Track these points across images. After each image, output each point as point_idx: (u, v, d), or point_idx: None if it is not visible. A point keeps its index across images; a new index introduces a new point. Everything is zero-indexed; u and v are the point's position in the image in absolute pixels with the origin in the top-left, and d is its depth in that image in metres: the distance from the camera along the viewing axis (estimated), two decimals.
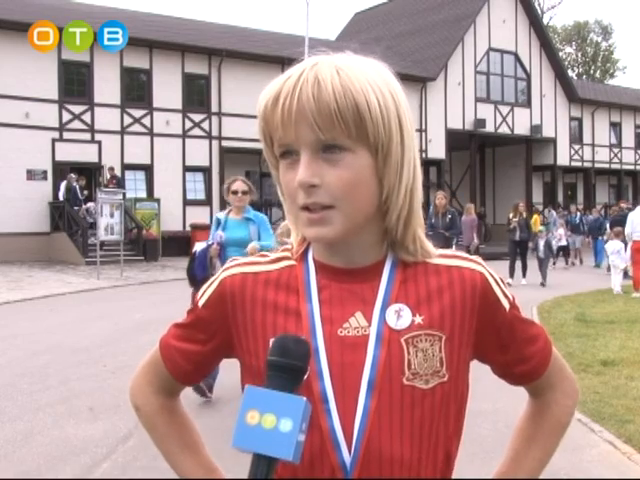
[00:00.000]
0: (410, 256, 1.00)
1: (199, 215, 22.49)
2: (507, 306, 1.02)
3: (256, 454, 0.83)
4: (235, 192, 5.76)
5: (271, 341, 0.91)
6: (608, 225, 17.48)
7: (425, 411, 0.94)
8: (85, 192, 20.81)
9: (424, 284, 0.99)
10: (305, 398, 0.84)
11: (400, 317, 0.96)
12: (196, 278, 5.63)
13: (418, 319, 0.97)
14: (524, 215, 15.33)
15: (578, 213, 24.75)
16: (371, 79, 0.93)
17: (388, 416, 0.93)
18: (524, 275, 14.84)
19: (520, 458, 1.10)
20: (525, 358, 1.05)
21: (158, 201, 21.85)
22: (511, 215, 15.30)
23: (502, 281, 1.04)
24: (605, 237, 17.62)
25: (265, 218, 5.98)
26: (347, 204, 0.93)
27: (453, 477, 1.01)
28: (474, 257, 1.04)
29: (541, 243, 15.19)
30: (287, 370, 0.86)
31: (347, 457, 0.92)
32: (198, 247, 5.84)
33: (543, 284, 14.73)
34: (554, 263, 17.54)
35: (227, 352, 1.06)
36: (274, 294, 1.01)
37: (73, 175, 20.35)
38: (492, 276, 1.02)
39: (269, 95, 0.94)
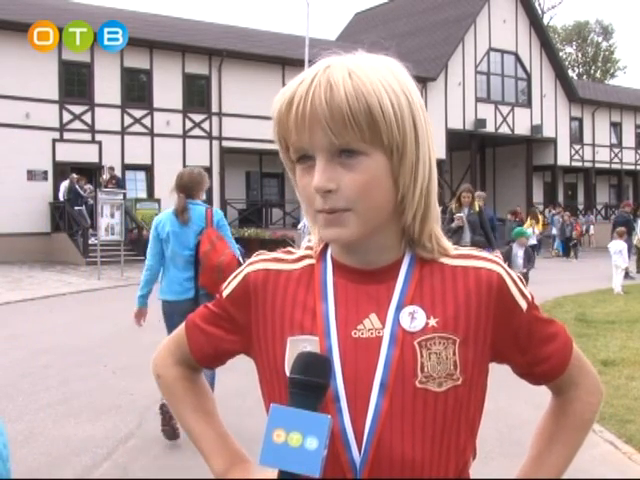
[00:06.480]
0: (428, 253, 1.00)
1: None
2: (525, 306, 1.01)
3: (281, 470, 0.84)
4: None
5: (293, 358, 0.92)
6: (612, 226, 17.32)
7: (438, 414, 0.93)
8: (89, 186, 20.64)
9: (440, 286, 0.98)
10: (329, 416, 0.86)
11: (414, 319, 0.96)
12: None
13: (432, 322, 0.96)
14: (476, 207, 9.19)
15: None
16: (384, 80, 0.92)
17: (400, 418, 0.93)
18: None
19: (543, 457, 1.09)
20: (543, 358, 1.03)
21: (159, 201, 21.80)
22: (453, 206, 9.32)
23: (521, 280, 1.02)
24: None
25: None
26: (363, 207, 0.92)
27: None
28: (492, 256, 1.02)
29: (520, 253, 10.71)
30: (310, 388, 0.87)
31: (357, 457, 0.92)
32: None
33: None
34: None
35: (244, 349, 1.08)
36: (294, 289, 1.02)
37: (75, 175, 20.32)
38: (510, 275, 1.00)
39: (283, 99, 0.94)
